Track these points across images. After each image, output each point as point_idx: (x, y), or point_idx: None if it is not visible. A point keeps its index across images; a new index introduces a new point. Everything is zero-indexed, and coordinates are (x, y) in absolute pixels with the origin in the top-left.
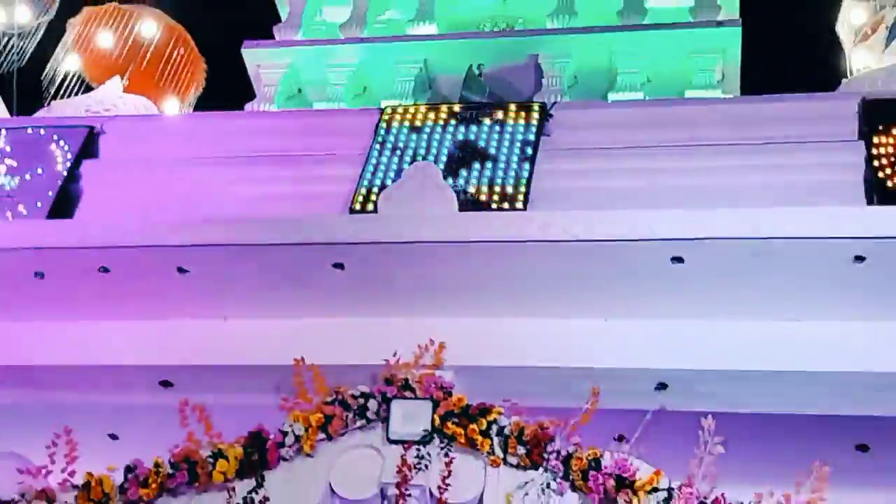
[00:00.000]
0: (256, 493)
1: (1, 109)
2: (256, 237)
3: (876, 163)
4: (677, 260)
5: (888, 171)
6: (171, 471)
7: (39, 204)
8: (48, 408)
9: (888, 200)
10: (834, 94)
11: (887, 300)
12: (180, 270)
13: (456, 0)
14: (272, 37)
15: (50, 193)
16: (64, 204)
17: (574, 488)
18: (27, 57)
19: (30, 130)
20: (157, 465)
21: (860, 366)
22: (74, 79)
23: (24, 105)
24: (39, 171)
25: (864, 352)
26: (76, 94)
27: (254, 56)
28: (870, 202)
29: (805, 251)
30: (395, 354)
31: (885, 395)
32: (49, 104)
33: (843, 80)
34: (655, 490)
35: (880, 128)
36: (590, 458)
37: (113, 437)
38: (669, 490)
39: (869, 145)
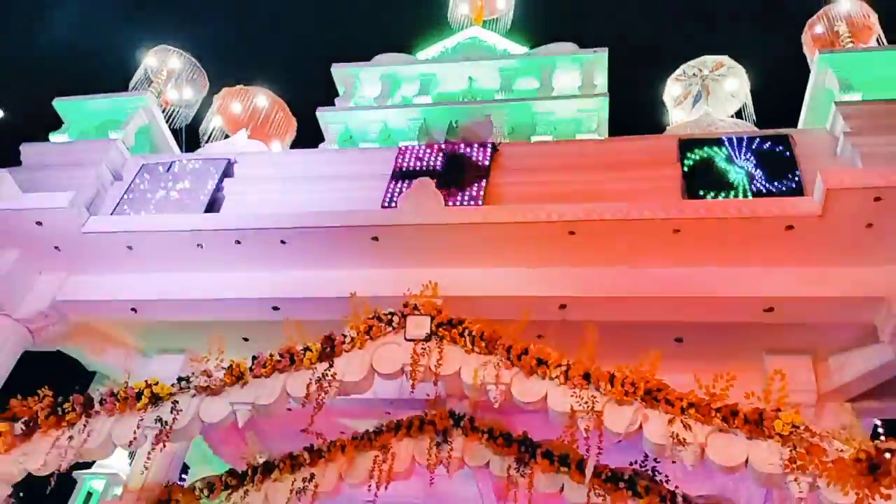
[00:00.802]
0: (329, 371)
1: (176, 149)
2: (328, 221)
3: (687, 176)
4: (571, 233)
5: (693, 180)
6: (279, 357)
7: (199, 204)
8: (208, 324)
9: (694, 197)
10: (663, 136)
11: (697, 252)
12: (282, 242)
13: (442, 84)
14: (334, 104)
15: (203, 198)
16: (214, 204)
17: (513, 366)
18: (190, 119)
19: (195, 161)
20: (271, 355)
21: (672, 292)
22: (219, 132)
23: (190, 147)
24: (199, 184)
25: (676, 284)
26: (220, 140)
27: (324, 116)
28: (684, 198)
29: (647, 227)
30: (408, 290)
31: (687, 310)
32: (204, 146)
33: (668, 128)
34: (560, 365)
35: (688, 155)
36: (522, 348)
37: (245, 339)
38: (568, 366)
39: (682, 165)
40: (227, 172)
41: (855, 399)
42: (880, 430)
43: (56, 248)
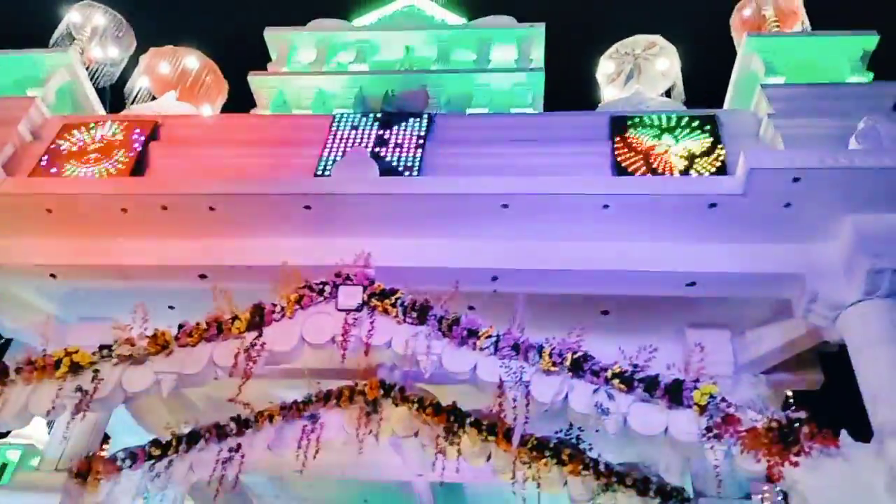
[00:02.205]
0: (257, 340)
1: (100, 109)
2: (259, 188)
3: (617, 152)
4: (504, 206)
5: (622, 156)
6: (206, 326)
7: (124, 167)
8: (132, 291)
9: (623, 173)
10: (595, 112)
11: (625, 228)
12: (211, 209)
13: (379, 51)
14: (266, 69)
15: (128, 161)
16: (139, 167)
17: (444, 336)
18: (115, 78)
19: (120, 122)
20: (197, 324)
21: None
22: (145, 93)
23: (114, 107)
24: (124, 146)
25: (604, 258)
26: (146, 101)
27: (256, 81)
28: (613, 174)
29: (578, 202)
30: (340, 259)
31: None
32: (129, 107)
33: (599, 105)
34: (490, 336)
35: (619, 132)
36: (453, 318)
37: (171, 307)
38: (498, 336)
39: (612, 142)
40: (154, 135)
41: (769, 371)
42: (791, 400)
43: None
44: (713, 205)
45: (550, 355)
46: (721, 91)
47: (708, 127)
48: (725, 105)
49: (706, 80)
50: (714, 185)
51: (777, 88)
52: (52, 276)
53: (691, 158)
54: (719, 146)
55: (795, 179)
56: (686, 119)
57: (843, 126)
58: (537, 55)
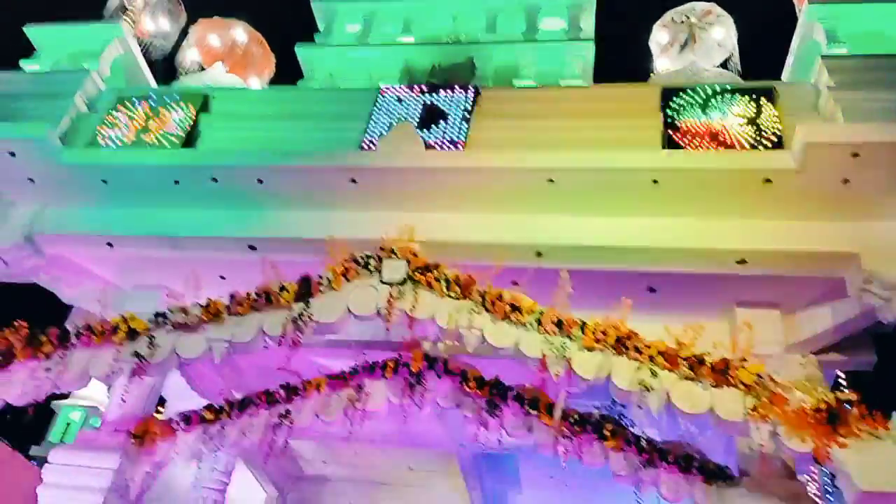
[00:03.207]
0: (305, 311)
1: (151, 81)
2: (306, 161)
3: (668, 126)
4: (550, 181)
5: (674, 130)
6: (256, 296)
7: (176, 139)
8: (185, 261)
9: (674, 147)
10: (646, 83)
11: (675, 203)
12: (259, 181)
13: (425, 23)
14: (314, 41)
15: (180, 133)
16: (190, 139)
17: (487, 311)
18: (167, 51)
19: (171, 94)
20: (248, 294)
21: (649, 242)
22: (195, 65)
23: (165, 79)
24: (176, 119)
25: (652, 234)
26: (196, 73)
27: (303, 53)
28: (664, 148)
29: (626, 177)
30: (385, 233)
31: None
32: (180, 78)
33: (652, 76)
34: (533, 312)
35: (671, 104)
36: (496, 293)
37: (222, 277)
38: (541, 312)
39: (664, 115)
40: (204, 107)
41: (820, 352)
42: (842, 382)
43: (30, 179)
44: (767, 180)
45: (594, 332)
46: (779, 63)
47: (764, 100)
48: (784, 77)
49: (764, 51)
50: (768, 160)
51: (838, 60)
52: (109, 244)
53: (746, 132)
54: (775, 120)
55: (854, 154)
56: (741, 91)
57: None
58: (587, 25)
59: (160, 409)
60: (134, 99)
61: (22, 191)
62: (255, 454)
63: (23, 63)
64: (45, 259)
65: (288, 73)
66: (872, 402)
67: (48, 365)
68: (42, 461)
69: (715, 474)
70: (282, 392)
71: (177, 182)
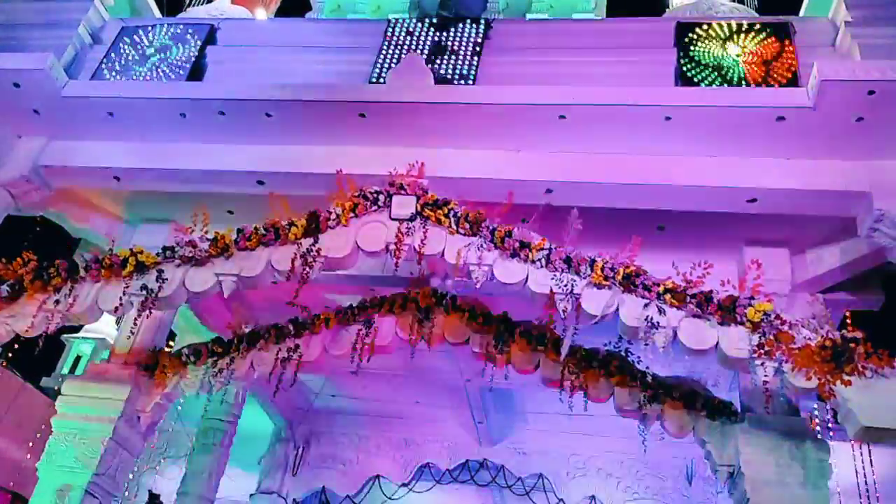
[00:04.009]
0: (313, 247)
1: (156, 11)
2: (314, 95)
3: (682, 61)
4: (562, 117)
5: (687, 66)
6: (264, 231)
7: (181, 72)
8: (193, 195)
9: (688, 84)
10: (660, 18)
11: (687, 141)
12: (267, 115)
13: None
14: None
15: (186, 65)
16: (197, 72)
17: (496, 247)
18: None
19: (177, 26)
20: (256, 228)
21: (660, 180)
22: None
23: (170, 10)
24: (182, 50)
25: (663, 172)
26: (202, 4)
27: None
28: (678, 85)
29: (638, 113)
30: (394, 169)
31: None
32: (185, 9)
33: (667, 10)
34: (542, 249)
35: (685, 40)
36: (506, 230)
37: (230, 212)
38: (550, 249)
39: (678, 50)
40: (211, 39)
41: (827, 291)
42: (848, 321)
43: (35, 111)
44: (781, 118)
45: (602, 269)
46: None
47: (780, 35)
48: (801, 12)
49: None
50: (783, 98)
51: None
52: (116, 178)
53: (761, 69)
54: (791, 56)
55: (870, 92)
56: (757, 27)
57: None
58: None
59: (171, 343)
60: (139, 30)
61: (28, 123)
62: (264, 387)
63: None
64: (52, 192)
65: (295, 4)
66: (878, 341)
67: (57, 298)
68: (52, 392)
69: (719, 410)
70: (291, 326)
71: (183, 115)
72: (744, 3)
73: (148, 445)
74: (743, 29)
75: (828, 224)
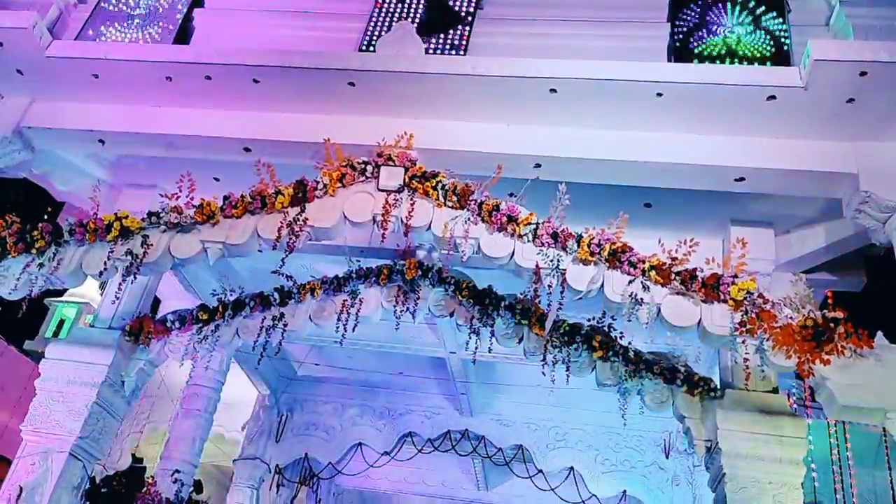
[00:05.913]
0: (300, 216)
1: None
2: (302, 62)
3: (675, 36)
4: (552, 90)
5: (682, 41)
6: (250, 199)
7: (168, 34)
8: (178, 161)
9: (681, 59)
10: None
11: (674, 120)
12: (255, 81)
13: None
14: None
15: (172, 28)
16: (183, 35)
17: (483, 221)
18: None
19: None
20: (242, 196)
21: (649, 157)
22: None
23: None
24: (168, 12)
25: (653, 149)
26: None
27: None
28: (670, 60)
29: (630, 89)
30: (383, 139)
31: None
32: None
33: None
34: (529, 223)
35: (679, 15)
36: (493, 204)
37: (216, 179)
38: (537, 224)
39: (672, 25)
40: (199, 2)
41: (811, 270)
42: (830, 301)
43: (18, 71)
44: (772, 97)
45: (589, 245)
46: None
47: (774, 13)
48: None
49: None
50: (775, 76)
51: None
52: (101, 141)
53: (755, 46)
54: (785, 34)
55: (862, 73)
56: (752, 3)
57: None
58: None
59: (155, 309)
60: None
61: (11, 83)
62: (249, 354)
63: None
64: (36, 154)
65: None
66: (859, 322)
67: (41, 261)
68: (36, 355)
69: (699, 386)
70: (276, 295)
71: (169, 79)
72: None
73: (132, 410)
74: (738, 4)
75: (814, 204)
